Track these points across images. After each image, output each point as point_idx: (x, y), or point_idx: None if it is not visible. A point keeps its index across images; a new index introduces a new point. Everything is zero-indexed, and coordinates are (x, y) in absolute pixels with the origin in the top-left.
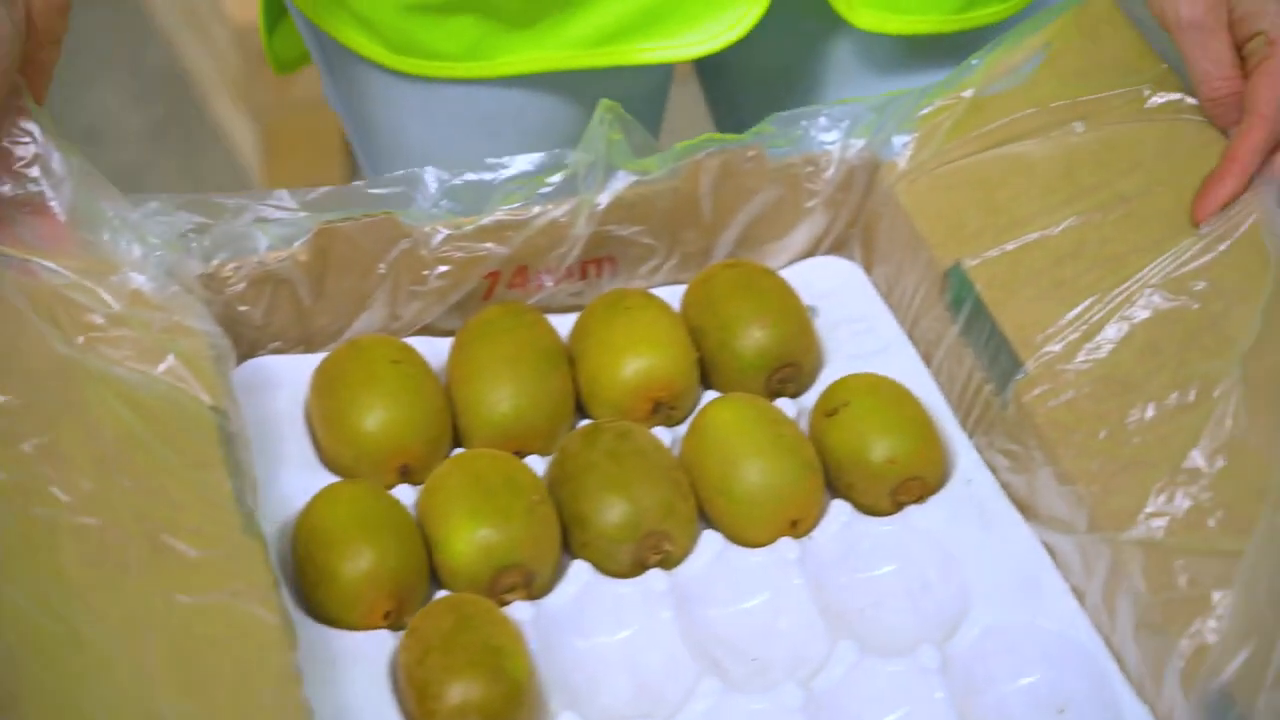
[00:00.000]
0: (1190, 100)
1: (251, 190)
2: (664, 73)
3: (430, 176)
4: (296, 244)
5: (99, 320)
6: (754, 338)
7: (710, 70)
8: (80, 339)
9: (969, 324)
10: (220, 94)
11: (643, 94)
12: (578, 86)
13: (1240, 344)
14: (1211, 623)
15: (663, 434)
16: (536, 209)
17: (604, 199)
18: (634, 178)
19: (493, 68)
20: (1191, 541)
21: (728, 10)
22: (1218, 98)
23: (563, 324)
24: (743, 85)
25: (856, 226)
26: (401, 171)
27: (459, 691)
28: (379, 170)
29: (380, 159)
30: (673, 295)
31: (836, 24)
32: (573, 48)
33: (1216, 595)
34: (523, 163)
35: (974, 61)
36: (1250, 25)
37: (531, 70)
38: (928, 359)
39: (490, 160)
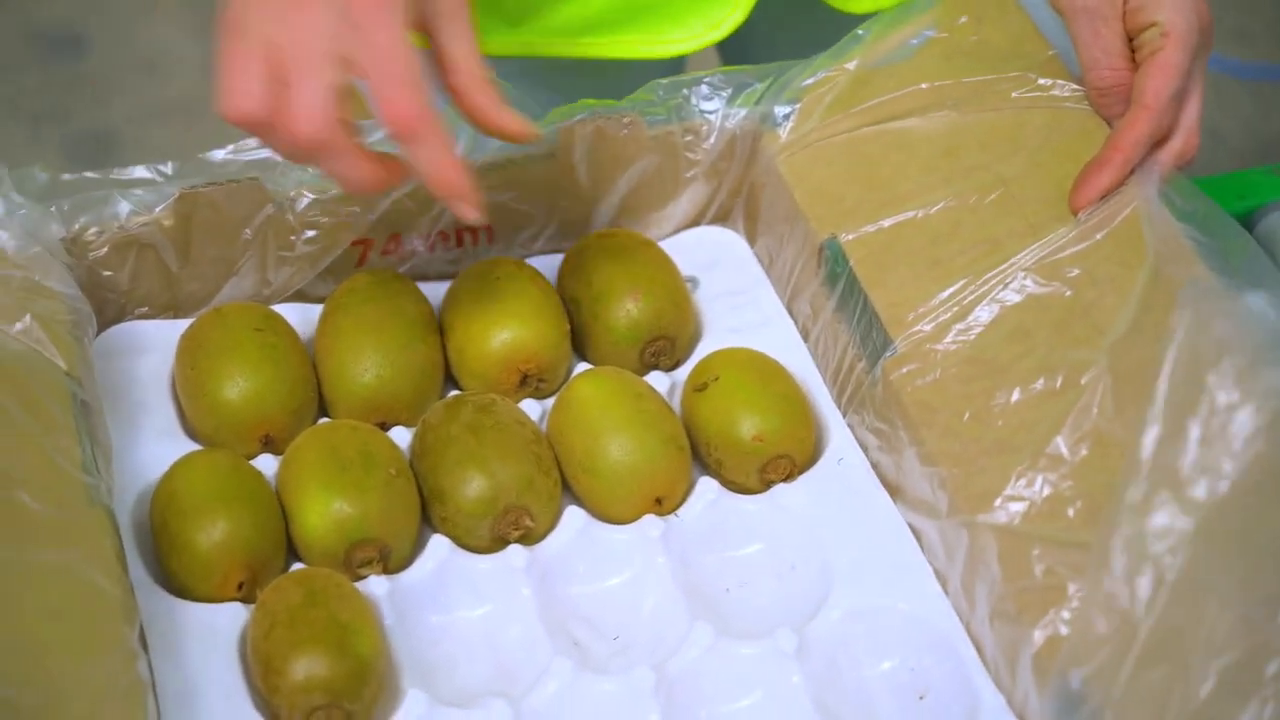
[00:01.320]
0: (1076, 88)
1: None
2: (666, 66)
3: None
4: (159, 209)
5: None
6: (626, 310)
7: (732, 56)
8: None
9: (843, 299)
10: None
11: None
12: (571, 77)
13: (1110, 333)
14: (1065, 613)
15: (533, 406)
16: None
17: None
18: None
19: None
20: (1049, 530)
21: (711, 10)
22: (1104, 87)
23: (439, 292)
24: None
25: (739, 197)
26: None
27: (303, 667)
28: None
29: None
30: (552, 265)
31: (832, 13)
32: (552, 36)
33: (1071, 586)
34: None
35: (860, 32)
36: (1146, 15)
37: (510, 53)
38: (805, 333)
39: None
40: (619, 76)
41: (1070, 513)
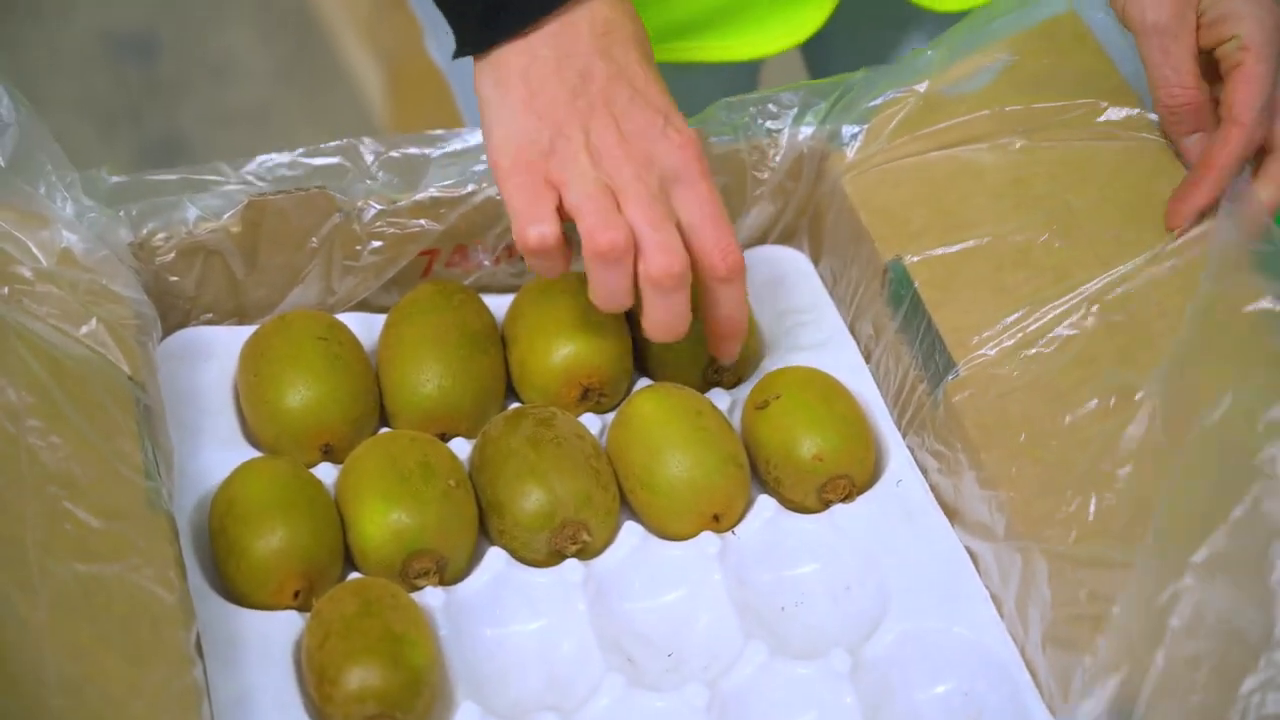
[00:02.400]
0: (1149, 117)
1: (375, 132)
2: (743, 68)
3: (367, 149)
4: (226, 216)
5: (26, 274)
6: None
7: (815, 57)
8: (4, 289)
9: (906, 321)
10: (347, 35)
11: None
12: None
13: (1168, 360)
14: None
15: (593, 421)
16: (471, 186)
17: None
18: None
19: None
20: (1097, 553)
21: (791, 15)
22: (1174, 105)
23: (502, 304)
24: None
25: (805, 217)
26: (336, 142)
27: (357, 677)
28: (470, 119)
29: (470, 104)
30: None
31: (915, 11)
32: None
33: (1116, 610)
34: (462, 137)
35: (929, 52)
36: (1225, 29)
37: None
38: (867, 354)
39: (429, 133)
40: (698, 78)
41: (1122, 539)
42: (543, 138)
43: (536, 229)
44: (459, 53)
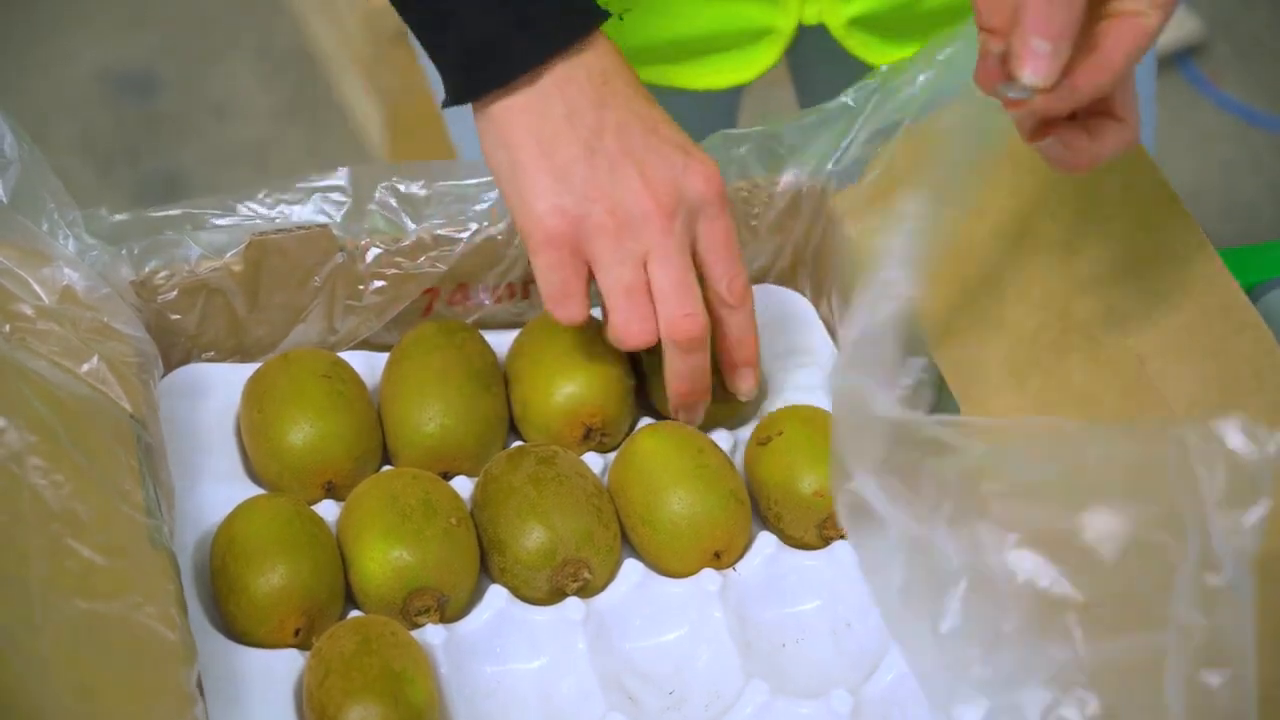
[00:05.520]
0: (1149, 154)
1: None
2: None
3: (368, 181)
4: (229, 254)
5: (27, 311)
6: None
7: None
8: (6, 327)
9: None
10: (348, 74)
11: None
12: None
13: (1171, 402)
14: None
15: (595, 459)
16: (473, 226)
17: None
18: None
19: None
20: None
21: (742, 54)
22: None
23: (505, 342)
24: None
25: (805, 256)
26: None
27: (356, 716)
28: (466, 154)
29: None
30: None
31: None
32: None
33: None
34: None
35: (920, 76)
36: None
37: None
38: None
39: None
40: (680, 100)
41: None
42: (567, 204)
43: (565, 310)
44: (448, 102)
